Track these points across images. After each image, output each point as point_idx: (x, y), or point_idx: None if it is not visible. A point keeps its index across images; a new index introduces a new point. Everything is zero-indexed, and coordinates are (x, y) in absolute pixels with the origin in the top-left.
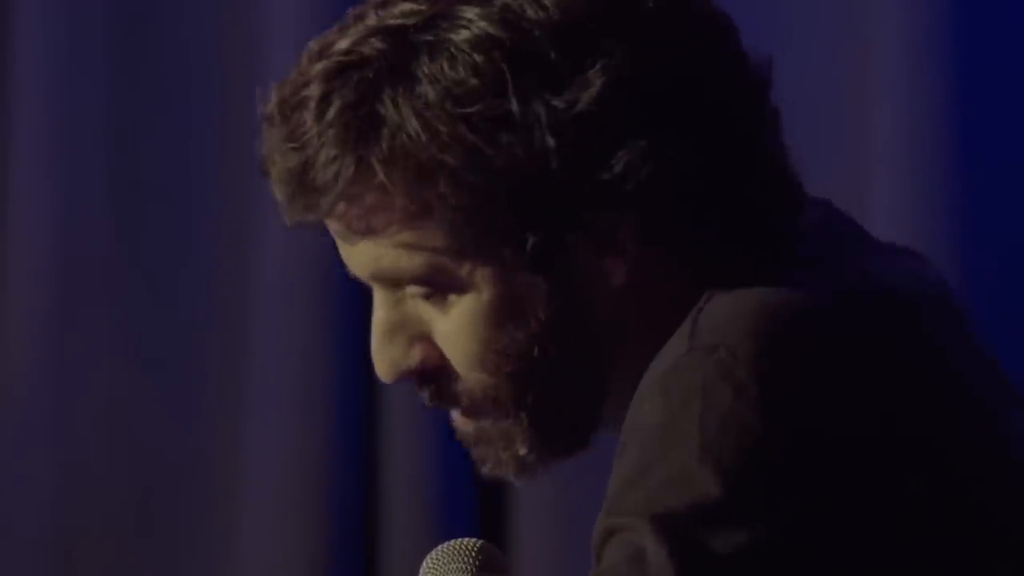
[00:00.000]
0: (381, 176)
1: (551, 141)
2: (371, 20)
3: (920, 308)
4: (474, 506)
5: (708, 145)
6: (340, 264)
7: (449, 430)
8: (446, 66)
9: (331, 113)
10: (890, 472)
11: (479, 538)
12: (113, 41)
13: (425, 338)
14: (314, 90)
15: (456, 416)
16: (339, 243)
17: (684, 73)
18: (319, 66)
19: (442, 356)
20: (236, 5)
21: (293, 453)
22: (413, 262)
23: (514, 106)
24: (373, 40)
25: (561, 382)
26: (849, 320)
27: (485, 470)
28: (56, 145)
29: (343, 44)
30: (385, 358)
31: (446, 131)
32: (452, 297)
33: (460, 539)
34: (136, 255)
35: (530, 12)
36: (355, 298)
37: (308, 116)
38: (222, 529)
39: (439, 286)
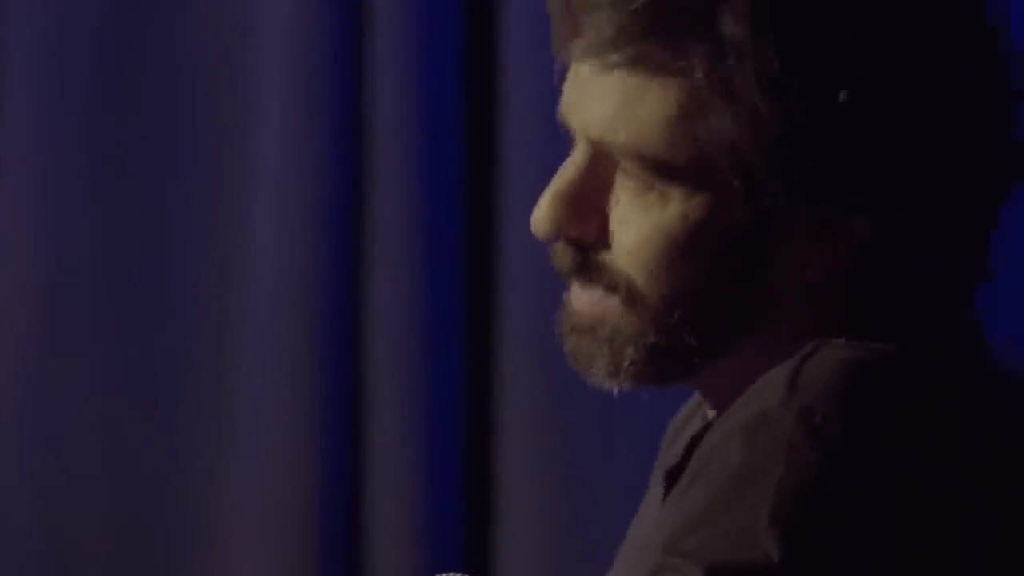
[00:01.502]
0: (687, 63)
1: (853, 127)
2: None
3: None
4: (461, 536)
5: (950, 208)
6: (326, 283)
7: (436, 450)
8: (803, 8)
9: None
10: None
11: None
12: (99, 58)
13: (601, 213)
14: None
15: (580, 302)
16: (586, 83)
17: (968, 133)
18: None
19: (604, 236)
20: (224, 19)
21: (279, 474)
22: (656, 144)
23: (838, 78)
24: None
25: (702, 324)
26: (963, 412)
27: (576, 362)
28: (39, 161)
29: None
30: (553, 212)
31: (772, 68)
32: (658, 198)
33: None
34: (120, 272)
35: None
36: (341, 318)
37: None
38: (208, 549)
39: (659, 179)
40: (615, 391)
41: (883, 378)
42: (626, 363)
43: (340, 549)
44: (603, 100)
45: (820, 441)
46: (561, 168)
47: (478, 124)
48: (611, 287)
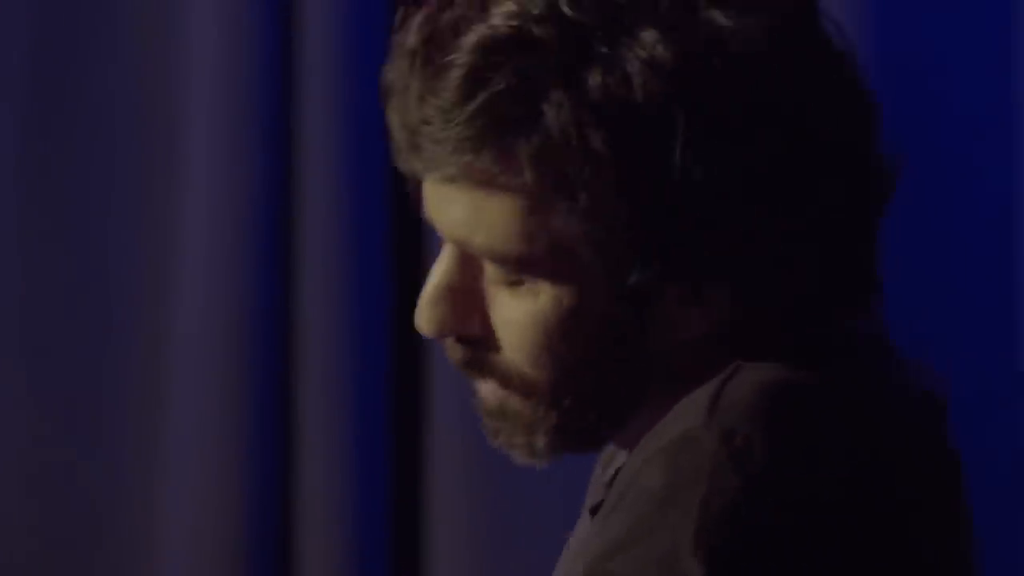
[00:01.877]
0: (520, 168)
1: (694, 191)
2: None
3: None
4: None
5: (820, 233)
6: (257, 311)
7: (365, 456)
8: (620, 86)
9: (485, 94)
10: None
11: None
12: (26, 95)
13: (480, 310)
14: (467, 56)
15: (484, 390)
16: (436, 198)
17: (824, 162)
18: (478, 32)
19: (489, 331)
20: (154, 53)
21: (209, 503)
22: (512, 243)
23: (674, 145)
24: (546, 25)
25: (600, 399)
26: (879, 431)
27: (495, 443)
28: None
29: (508, 13)
30: (436, 316)
31: (603, 152)
32: (529, 291)
33: None
34: (50, 311)
35: (713, 55)
36: (271, 326)
37: (455, 81)
38: (140, 555)
39: (524, 276)
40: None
41: (801, 398)
42: (539, 445)
43: (269, 557)
44: (453, 207)
45: (741, 463)
46: (434, 267)
47: None
48: (505, 381)
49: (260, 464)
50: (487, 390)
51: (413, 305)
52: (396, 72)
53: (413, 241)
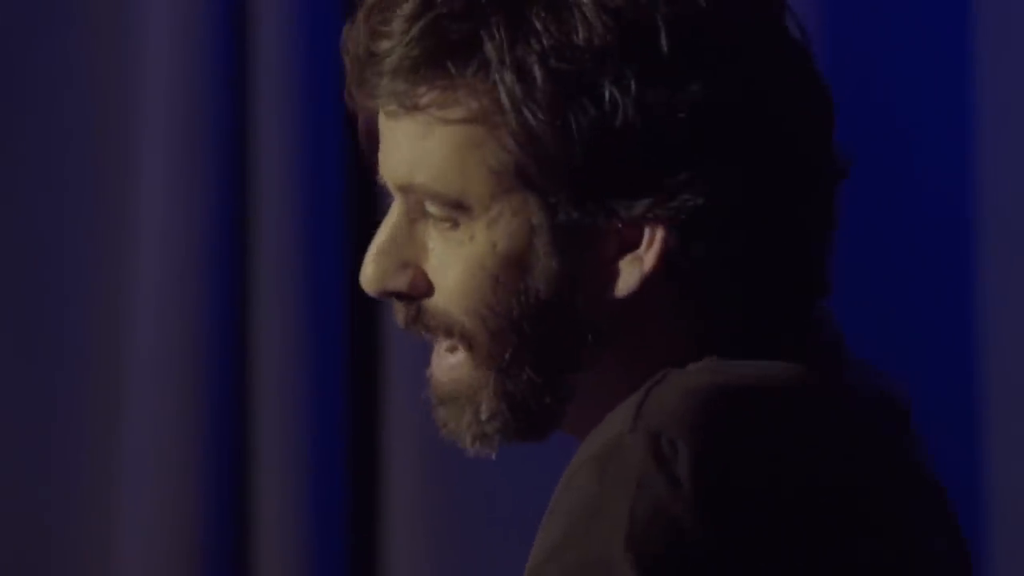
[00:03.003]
0: (456, 94)
1: (627, 130)
2: None
3: (885, 432)
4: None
5: (762, 209)
6: (212, 317)
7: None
8: (561, 21)
9: (430, 15)
10: None
11: None
12: None
13: (418, 267)
14: None
15: (435, 360)
16: (384, 134)
17: (773, 119)
18: None
19: (429, 288)
20: (108, 65)
21: (164, 528)
22: (449, 178)
23: (609, 82)
24: None
25: (535, 357)
26: (805, 432)
27: (448, 432)
28: None
29: None
30: (376, 270)
31: (538, 83)
32: (465, 235)
33: None
34: (2, 322)
35: (661, 3)
36: (228, 363)
37: (407, 9)
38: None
39: (461, 214)
40: (492, 456)
41: (727, 402)
42: (485, 418)
43: (225, 561)
44: (399, 146)
45: (668, 467)
46: (381, 225)
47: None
48: (448, 332)
49: (216, 470)
50: (444, 367)
51: (369, 311)
52: (356, 21)
53: (368, 244)
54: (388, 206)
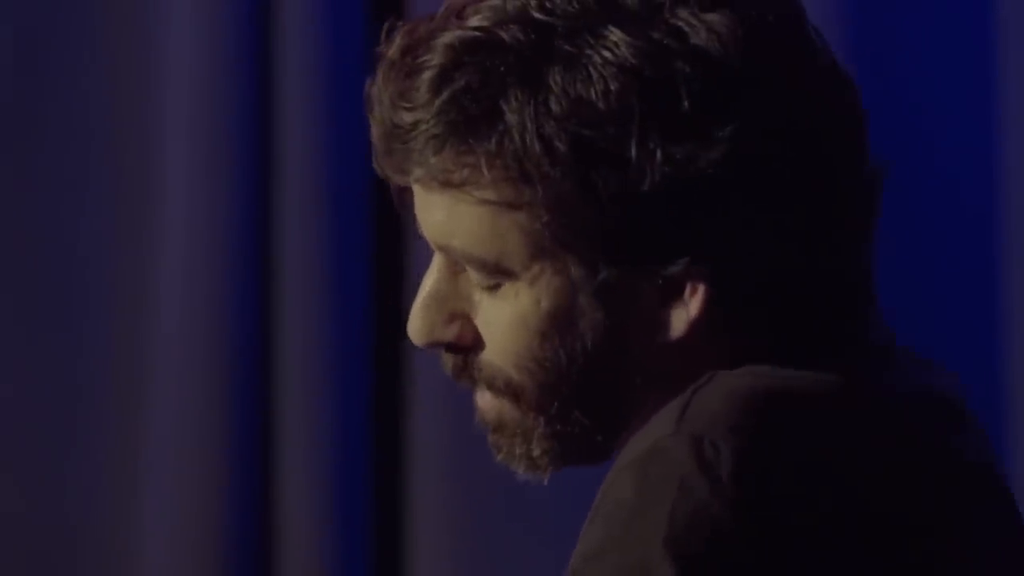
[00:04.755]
0: (483, 167)
1: (657, 189)
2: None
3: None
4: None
5: (801, 235)
6: (235, 316)
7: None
8: (579, 84)
9: (449, 91)
10: None
11: None
12: (3, 102)
13: (467, 318)
14: (438, 58)
15: (480, 396)
16: (419, 203)
17: (806, 147)
18: (449, 35)
19: (477, 338)
20: (132, 65)
21: (189, 525)
22: (486, 243)
23: (633, 143)
24: (513, 27)
25: (585, 404)
26: (847, 433)
27: (499, 457)
28: None
29: (481, 18)
30: (423, 324)
31: (562, 149)
32: (509, 293)
33: None
34: (27, 322)
35: (677, 53)
36: (252, 362)
37: (425, 82)
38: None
39: (502, 276)
40: (544, 482)
41: (770, 404)
42: (537, 454)
43: (249, 561)
44: (433, 211)
45: (710, 469)
46: (424, 277)
47: None
48: (494, 387)
49: (240, 469)
50: (483, 401)
51: (393, 310)
52: (377, 83)
53: (393, 245)
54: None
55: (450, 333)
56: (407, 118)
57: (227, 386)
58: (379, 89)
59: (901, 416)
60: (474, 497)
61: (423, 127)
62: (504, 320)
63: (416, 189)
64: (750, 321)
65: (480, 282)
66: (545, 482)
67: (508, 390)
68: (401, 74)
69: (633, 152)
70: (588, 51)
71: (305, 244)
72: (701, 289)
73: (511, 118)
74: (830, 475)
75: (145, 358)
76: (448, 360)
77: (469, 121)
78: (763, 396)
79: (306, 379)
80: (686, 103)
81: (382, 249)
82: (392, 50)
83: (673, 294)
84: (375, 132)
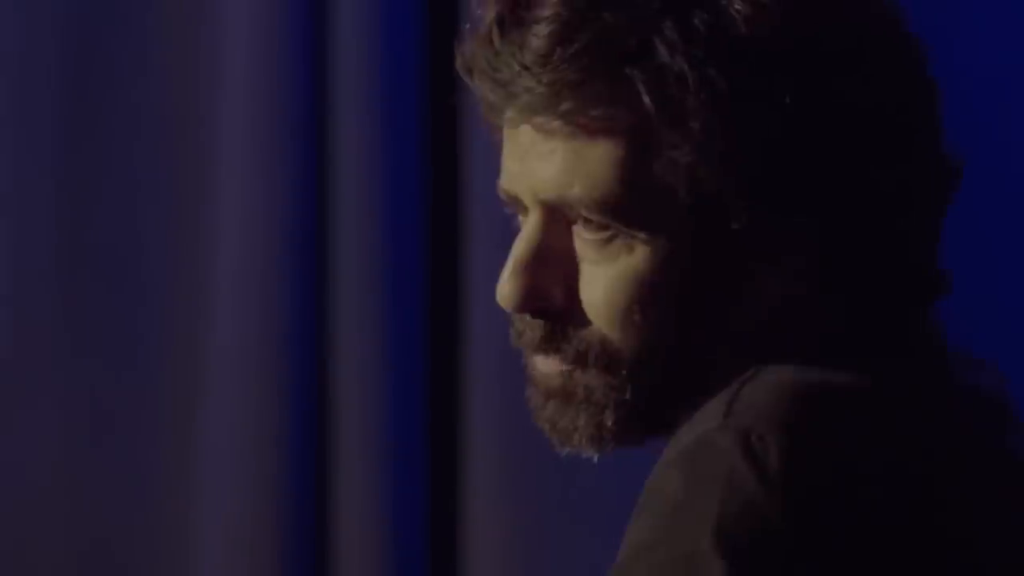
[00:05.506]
0: (628, 104)
1: (806, 135)
2: None
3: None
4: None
5: (896, 210)
6: (293, 327)
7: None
8: (724, 21)
9: (589, 33)
10: None
11: None
12: (63, 105)
13: (565, 278)
14: (562, 6)
15: (548, 366)
16: (527, 148)
17: (903, 126)
18: None
19: (573, 301)
20: (189, 64)
21: (246, 523)
22: (612, 189)
23: (787, 86)
24: None
25: (677, 369)
26: (896, 430)
27: (554, 431)
28: (2, 207)
29: None
30: (521, 287)
31: (718, 81)
32: (622, 247)
33: None
34: (85, 320)
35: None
36: (308, 360)
37: (554, 26)
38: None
39: (620, 226)
40: (595, 458)
41: (817, 397)
42: (609, 423)
43: (306, 564)
44: (551, 158)
45: (758, 462)
46: (516, 241)
47: (443, 138)
48: (580, 356)
49: (295, 471)
50: (555, 364)
51: (448, 311)
52: (479, 44)
53: (449, 246)
54: (471, 203)
55: (544, 296)
56: (537, 63)
57: (283, 389)
58: (487, 48)
59: (951, 414)
60: (530, 503)
61: (561, 69)
62: (615, 276)
63: (528, 141)
64: (830, 305)
65: (593, 235)
66: (595, 459)
67: (602, 355)
68: (519, 26)
69: (787, 96)
70: None
71: (360, 245)
72: (808, 250)
73: (664, 51)
74: (878, 471)
75: (200, 361)
76: (534, 328)
77: (620, 55)
78: (810, 390)
79: (362, 381)
80: (830, 54)
81: (437, 249)
82: (494, 10)
83: (786, 254)
84: (488, 88)
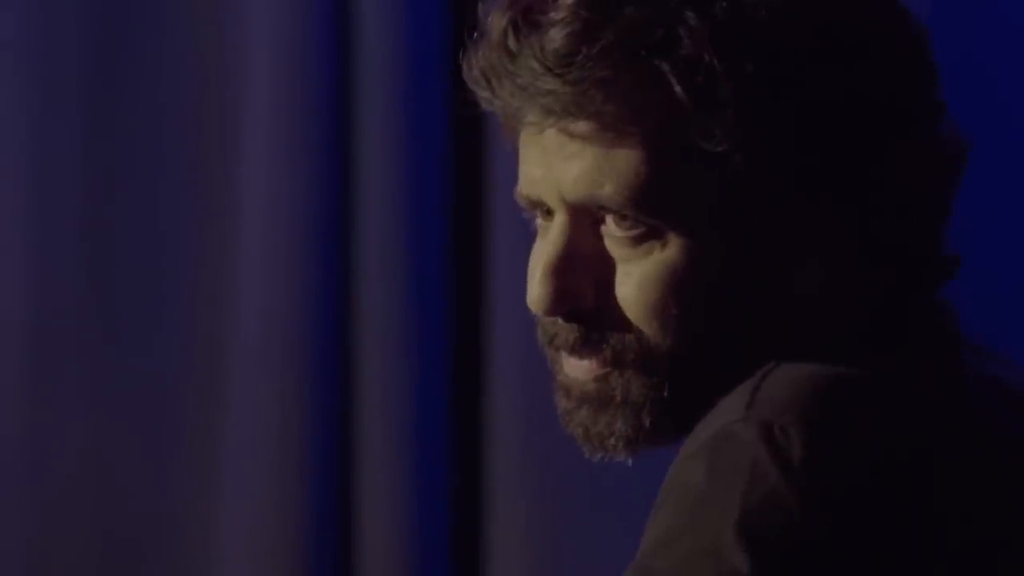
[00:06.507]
0: (656, 96)
1: (832, 122)
2: None
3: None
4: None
5: (915, 197)
6: (316, 322)
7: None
8: (742, 8)
9: (612, 30)
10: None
11: None
12: (88, 100)
13: (598, 279)
14: (579, 7)
15: (582, 370)
16: (551, 150)
17: (916, 112)
18: None
19: (606, 302)
20: (212, 60)
21: (268, 517)
22: (644, 185)
23: (814, 69)
24: None
25: (714, 364)
26: (918, 423)
27: (587, 437)
28: (27, 201)
29: None
30: (552, 290)
31: (747, 68)
32: (655, 243)
33: None
34: (109, 314)
35: None
36: (331, 356)
37: (573, 27)
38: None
39: (653, 222)
40: (628, 462)
41: (838, 389)
42: (647, 424)
43: (329, 562)
44: (579, 158)
45: (780, 455)
46: (542, 245)
47: (467, 135)
48: (617, 357)
49: (319, 466)
50: (587, 367)
51: (472, 307)
52: (494, 50)
53: (472, 243)
54: (495, 200)
55: (577, 298)
56: (560, 64)
57: (306, 383)
58: (502, 55)
59: (973, 405)
60: (552, 501)
61: (588, 67)
62: (649, 272)
63: (553, 143)
64: (857, 294)
65: (624, 232)
66: (629, 463)
67: (638, 356)
68: (535, 30)
69: (811, 80)
70: None
71: (384, 240)
72: (838, 239)
73: (688, 41)
74: (900, 462)
75: (225, 357)
76: (567, 332)
77: (643, 48)
78: (832, 383)
79: (385, 378)
80: (849, 41)
81: (462, 245)
82: (506, 17)
83: (807, 244)
84: (508, 94)
